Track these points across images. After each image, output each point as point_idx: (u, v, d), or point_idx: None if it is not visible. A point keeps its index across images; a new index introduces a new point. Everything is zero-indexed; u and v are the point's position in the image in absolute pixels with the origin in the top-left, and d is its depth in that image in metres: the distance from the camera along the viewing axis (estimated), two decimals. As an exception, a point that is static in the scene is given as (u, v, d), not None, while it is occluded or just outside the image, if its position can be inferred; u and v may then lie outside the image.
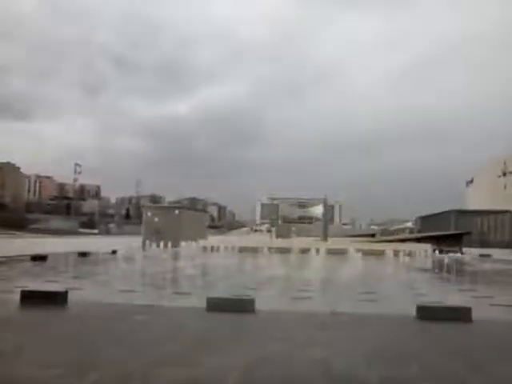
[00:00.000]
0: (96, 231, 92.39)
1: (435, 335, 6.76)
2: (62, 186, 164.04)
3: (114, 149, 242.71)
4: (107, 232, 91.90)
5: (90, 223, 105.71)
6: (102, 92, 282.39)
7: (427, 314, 7.56)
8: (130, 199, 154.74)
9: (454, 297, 10.46)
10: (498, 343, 6.31)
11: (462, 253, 31.01)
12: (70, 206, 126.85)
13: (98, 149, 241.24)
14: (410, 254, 22.32)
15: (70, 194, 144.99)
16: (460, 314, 7.55)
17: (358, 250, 21.09)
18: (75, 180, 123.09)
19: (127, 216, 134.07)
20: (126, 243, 27.04)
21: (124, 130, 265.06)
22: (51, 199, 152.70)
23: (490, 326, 7.43)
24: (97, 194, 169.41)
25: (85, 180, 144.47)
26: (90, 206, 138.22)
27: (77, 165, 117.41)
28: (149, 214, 37.80)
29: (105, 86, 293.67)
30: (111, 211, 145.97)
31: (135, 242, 31.49)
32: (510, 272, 18.85)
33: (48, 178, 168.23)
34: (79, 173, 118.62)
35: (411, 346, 6.09)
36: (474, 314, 7.54)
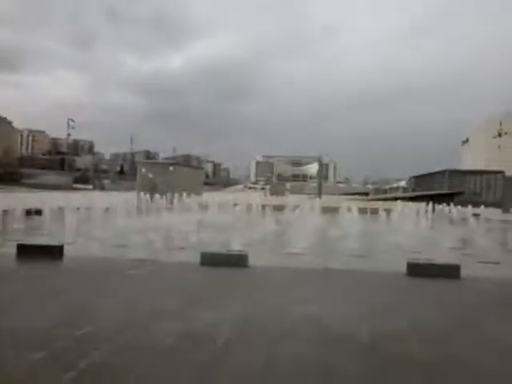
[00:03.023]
0: (90, 187, 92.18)
1: (424, 291, 6.94)
2: (55, 141, 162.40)
3: (107, 104, 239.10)
4: (101, 188, 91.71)
5: (84, 179, 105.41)
6: (93, 45, 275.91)
7: (417, 270, 7.74)
8: (124, 155, 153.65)
9: (443, 254, 10.65)
10: (483, 299, 6.50)
11: (453, 211, 31.32)
12: (64, 162, 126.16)
13: (91, 104, 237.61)
14: (401, 213, 22.51)
15: (64, 149, 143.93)
16: (449, 271, 7.73)
17: (351, 208, 21.26)
18: (68, 135, 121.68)
19: (121, 172, 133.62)
20: (121, 199, 27.08)
21: (117, 85, 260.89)
22: (44, 154, 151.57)
23: (477, 282, 7.62)
24: (90, 149, 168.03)
25: (78, 135, 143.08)
26: (83, 161, 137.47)
27: (70, 120, 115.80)
28: (143, 170, 37.67)
29: (96, 39, 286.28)
30: (105, 167, 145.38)
31: (130, 197, 31.53)
32: (498, 230, 19.15)
33: (41, 132, 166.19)
34: (72, 128, 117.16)
35: (401, 301, 6.26)
36: (462, 271, 7.72)
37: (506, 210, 34.25)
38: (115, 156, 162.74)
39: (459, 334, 4.76)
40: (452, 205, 29.47)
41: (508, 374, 3.76)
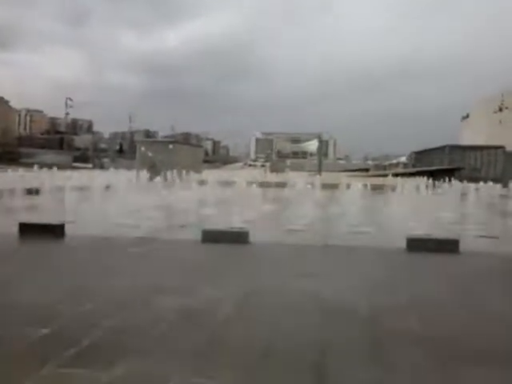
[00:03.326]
0: (90, 165, 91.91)
1: (423, 266, 7.01)
2: (53, 121, 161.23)
3: (105, 83, 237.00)
4: (101, 166, 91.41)
5: (83, 158, 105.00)
6: (90, 23, 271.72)
7: (416, 245, 7.79)
8: (123, 134, 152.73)
9: (442, 229, 10.71)
10: (481, 272, 6.57)
11: (454, 187, 31.33)
12: (63, 141, 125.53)
13: (89, 82, 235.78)
14: (401, 189, 22.53)
15: (62, 129, 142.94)
16: (448, 246, 7.80)
17: (350, 185, 21.27)
18: (67, 114, 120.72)
19: (121, 151, 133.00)
20: (120, 177, 27.07)
21: (115, 63, 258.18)
22: (43, 134, 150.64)
23: (476, 257, 7.68)
24: (89, 128, 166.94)
25: (76, 115, 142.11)
26: (82, 140, 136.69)
27: (68, 99, 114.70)
28: (143, 148, 37.52)
29: (93, 17, 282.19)
30: (104, 146, 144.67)
31: (129, 176, 31.51)
32: (497, 205, 19.20)
33: (39, 112, 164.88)
34: (71, 107, 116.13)
35: (400, 275, 6.33)
36: (462, 246, 7.79)
37: (505, 185, 34.23)
38: (114, 135, 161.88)
39: (457, 308, 4.83)
40: (452, 180, 29.48)
41: (507, 345, 3.82)
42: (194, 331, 3.94)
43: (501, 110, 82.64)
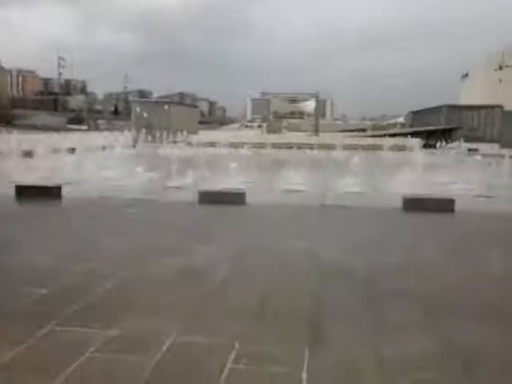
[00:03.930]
0: (85, 127, 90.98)
1: (419, 225, 7.07)
2: (46, 81, 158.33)
3: (98, 42, 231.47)
4: (96, 128, 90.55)
5: (78, 119, 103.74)
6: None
7: (413, 205, 7.84)
8: (117, 95, 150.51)
9: (437, 188, 10.74)
10: (475, 231, 6.65)
11: (450, 147, 31.30)
12: (57, 102, 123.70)
13: (82, 42, 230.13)
14: (399, 149, 22.54)
15: (56, 90, 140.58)
16: (443, 205, 7.84)
17: (347, 145, 21.23)
18: (60, 74, 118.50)
19: (116, 112, 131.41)
20: (116, 139, 26.87)
21: (108, 22, 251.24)
22: (36, 95, 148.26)
23: (471, 215, 7.74)
24: (83, 89, 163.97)
25: (69, 75, 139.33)
26: (76, 101, 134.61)
27: (60, 58, 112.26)
28: (137, 109, 37.04)
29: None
30: (99, 107, 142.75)
31: (125, 137, 31.28)
32: (493, 165, 19.21)
33: (31, 72, 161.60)
34: (63, 67, 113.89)
35: (396, 234, 6.39)
36: (457, 205, 7.83)
37: (503, 146, 34.16)
38: (109, 96, 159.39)
39: (452, 266, 4.89)
40: (449, 140, 29.37)
41: (500, 302, 3.89)
42: (191, 290, 3.99)
43: (501, 68, 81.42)
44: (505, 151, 27.68)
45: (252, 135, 40.20)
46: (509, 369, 2.76)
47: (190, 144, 24.50)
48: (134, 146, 26.46)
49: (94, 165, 13.55)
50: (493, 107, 57.42)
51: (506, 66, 79.59)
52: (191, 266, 4.65)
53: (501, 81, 79.64)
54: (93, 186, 10.36)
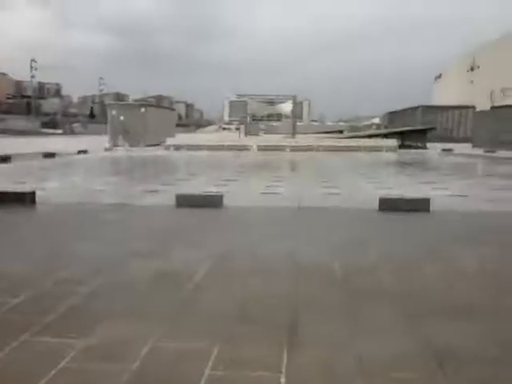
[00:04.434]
0: (60, 131, 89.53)
1: (394, 225, 7.16)
2: (18, 84, 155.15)
3: (72, 44, 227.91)
4: (72, 132, 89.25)
5: (52, 123, 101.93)
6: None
7: (389, 205, 7.93)
8: (93, 98, 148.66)
9: (414, 188, 10.92)
10: (451, 230, 6.76)
11: (426, 147, 31.87)
12: (30, 106, 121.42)
13: (56, 44, 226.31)
14: (375, 149, 22.81)
15: (29, 93, 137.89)
16: (419, 205, 7.96)
17: (325, 146, 21.40)
18: (32, 77, 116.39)
19: (91, 115, 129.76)
20: (92, 143, 26.53)
21: (82, 23, 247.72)
22: (8, 98, 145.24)
23: (446, 215, 7.88)
24: (57, 92, 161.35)
25: (43, 78, 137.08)
26: (50, 105, 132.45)
27: (33, 61, 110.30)
28: (114, 112, 36.62)
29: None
30: (74, 110, 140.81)
31: (101, 141, 30.91)
32: (468, 165, 19.63)
33: (2, 74, 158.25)
34: (36, 69, 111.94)
35: (373, 235, 6.45)
36: (433, 205, 7.96)
37: (475, 145, 34.91)
38: (84, 99, 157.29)
39: (428, 265, 4.96)
40: (423, 140, 29.86)
41: (474, 302, 3.96)
42: (169, 295, 3.96)
43: (472, 69, 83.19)
44: (476, 150, 28.31)
45: (230, 137, 40.11)
46: (485, 365, 2.81)
47: (167, 147, 24.35)
48: (111, 150, 26.16)
49: (70, 170, 13.35)
50: (466, 107, 58.70)
51: (478, 67, 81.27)
52: (169, 270, 4.61)
53: (472, 82, 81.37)
54: (68, 191, 10.20)
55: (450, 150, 29.02)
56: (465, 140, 42.09)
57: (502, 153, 26.27)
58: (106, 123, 41.57)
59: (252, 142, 30.48)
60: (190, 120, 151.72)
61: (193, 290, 4.07)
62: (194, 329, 3.30)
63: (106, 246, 5.58)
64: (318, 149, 21.04)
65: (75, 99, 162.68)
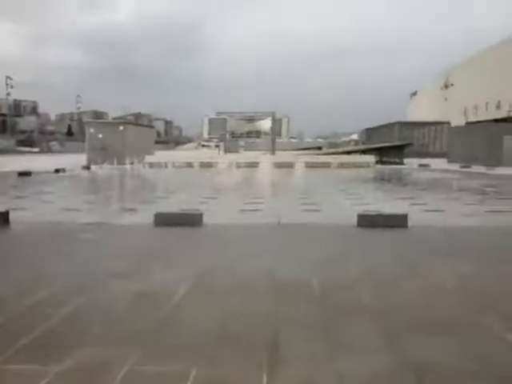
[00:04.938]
0: (36, 149, 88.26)
1: (373, 241, 7.20)
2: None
3: (50, 61, 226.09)
4: (49, 150, 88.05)
5: (28, 141, 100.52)
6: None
7: (367, 221, 7.99)
8: (71, 115, 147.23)
9: (392, 204, 11.05)
10: (428, 246, 6.83)
11: (403, 163, 32.38)
12: (6, 124, 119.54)
13: (32, 60, 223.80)
14: (354, 166, 23.06)
15: (4, 111, 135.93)
16: (397, 221, 8.04)
17: (304, 163, 21.56)
18: (8, 95, 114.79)
19: (69, 133, 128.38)
20: (70, 161, 26.23)
21: (60, 39, 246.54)
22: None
23: (424, 230, 7.97)
24: (34, 110, 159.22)
25: (20, 96, 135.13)
26: (27, 122, 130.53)
27: (8, 78, 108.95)
28: (92, 130, 36.36)
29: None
30: (51, 128, 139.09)
31: (79, 159, 30.58)
32: (444, 180, 19.97)
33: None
34: (11, 87, 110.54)
35: (351, 251, 6.48)
36: (410, 220, 8.05)
37: (451, 160, 35.60)
38: (61, 116, 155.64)
39: (406, 280, 5.00)
40: (400, 156, 30.36)
41: (453, 318, 3.99)
42: (148, 315, 3.89)
43: (446, 86, 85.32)
44: (452, 165, 28.86)
45: (209, 154, 40.13)
46: (465, 380, 2.82)
47: (145, 165, 24.22)
48: (89, 168, 25.88)
49: (46, 188, 13.14)
50: (441, 124, 60.06)
51: (452, 85, 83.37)
52: (146, 290, 4.54)
53: (446, 99, 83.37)
54: (44, 210, 10.02)
55: (426, 166, 29.54)
56: (441, 155, 42.92)
57: (476, 167, 26.84)
58: (84, 141, 41.21)
59: (231, 159, 30.54)
60: (169, 137, 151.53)
61: (172, 311, 4.01)
62: (173, 350, 3.25)
63: (83, 267, 5.47)
64: (297, 165, 21.17)
65: (53, 117, 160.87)
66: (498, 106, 62.81)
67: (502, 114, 58.81)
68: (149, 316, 3.89)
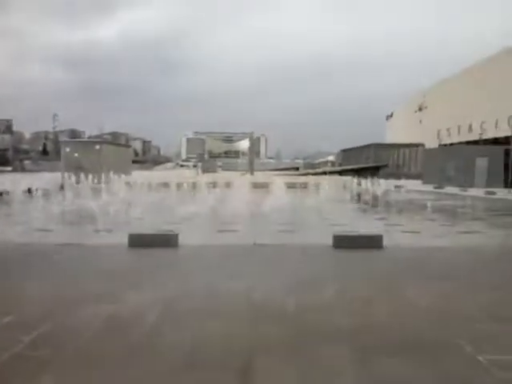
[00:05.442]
0: (9, 168, 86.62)
1: (349, 261, 7.24)
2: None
3: (25, 78, 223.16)
4: (22, 169, 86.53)
5: (2, 160, 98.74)
6: (10, 10, 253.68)
7: (343, 242, 8.03)
8: (46, 134, 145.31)
9: (367, 225, 11.15)
10: (402, 266, 6.89)
11: (378, 184, 32.78)
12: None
13: (6, 78, 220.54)
14: (330, 187, 23.24)
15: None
16: (372, 242, 8.10)
17: (283, 184, 21.63)
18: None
19: (45, 152, 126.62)
20: (44, 180, 25.81)
21: (35, 57, 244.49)
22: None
23: (399, 250, 8.06)
24: (8, 128, 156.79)
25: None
26: (1, 141, 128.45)
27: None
28: (67, 149, 35.98)
29: (12, 6, 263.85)
30: (26, 147, 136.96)
31: (53, 179, 30.09)
32: (418, 201, 20.29)
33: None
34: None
35: (328, 272, 6.49)
36: (385, 241, 8.13)
37: (425, 182, 36.25)
38: (37, 135, 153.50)
39: (381, 301, 5.02)
40: (376, 178, 30.76)
41: (426, 337, 4.02)
42: (117, 340, 3.81)
43: (421, 109, 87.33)
44: (426, 187, 29.37)
45: (186, 174, 40.00)
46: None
47: (122, 185, 23.94)
48: (63, 189, 25.46)
49: (18, 208, 12.88)
50: (416, 145, 61.30)
51: (426, 107, 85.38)
52: (118, 314, 4.46)
53: (421, 121, 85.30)
54: (17, 231, 9.80)
55: (401, 187, 29.96)
56: (416, 176, 43.67)
57: (450, 189, 27.38)
58: (59, 160, 40.67)
59: (208, 179, 30.50)
60: (147, 157, 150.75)
61: (141, 336, 3.93)
62: (142, 375, 3.18)
63: (56, 290, 5.34)
64: (276, 186, 21.24)
65: (27, 135, 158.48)
66: (470, 129, 64.54)
67: (474, 136, 60.50)
68: (118, 342, 3.81)
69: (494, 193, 23.94)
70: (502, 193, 24.76)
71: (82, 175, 24.77)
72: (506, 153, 31.84)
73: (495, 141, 53.29)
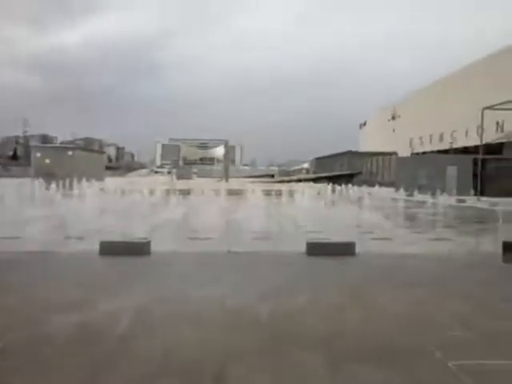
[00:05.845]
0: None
1: (322, 268, 7.26)
2: None
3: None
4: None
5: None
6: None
7: (316, 249, 8.07)
8: (16, 139, 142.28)
9: (341, 232, 11.23)
10: (374, 273, 6.96)
11: (353, 191, 33.16)
12: None
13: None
14: (303, 194, 23.38)
15: None
16: (345, 249, 8.16)
17: (258, 191, 21.70)
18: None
19: (15, 157, 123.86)
20: (12, 186, 25.21)
21: (6, 61, 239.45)
22: None
23: (371, 257, 8.13)
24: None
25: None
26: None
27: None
28: (38, 154, 35.26)
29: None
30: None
31: (23, 184, 29.41)
32: (391, 208, 20.59)
33: None
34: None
35: (301, 280, 6.50)
36: (358, 248, 8.20)
37: (398, 189, 36.82)
38: (7, 139, 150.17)
39: (352, 307, 5.05)
40: (350, 185, 31.13)
41: (398, 343, 4.05)
42: (87, 350, 3.72)
43: (394, 118, 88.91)
44: (398, 194, 29.84)
45: (161, 181, 39.67)
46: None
47: (94, 191, 23.57)
48: (33, 194, 24.91)
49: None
50: (389, 154, 62.31)
51: (399, 116, 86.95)
52: (88, 323, 4.36)
53: (394, 130, 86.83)
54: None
55: (374, 194, 30.36)
56: (389, 184, 44.30)
57: (421, 196, 27.89)
58: (30, 166, 39.79)
59: (183, 185, 30.30)
60: (121, 163, 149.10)
61: (113, 345, 3.85)
62: (111, 387, 3.10)
63: (22, 299, 5.19)
64: (251, 193, 21.25)
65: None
66: (441, 138, 66.03)
67: (445, 145, 61.94)
68: (89, 351, 3.72)
69: (464, 200, 24.50)
70: (471, 200, 25.36)
71: (54, 181, 24.30)
72: (475, 162, 32.60)
73: (465, 149, 54.71)
